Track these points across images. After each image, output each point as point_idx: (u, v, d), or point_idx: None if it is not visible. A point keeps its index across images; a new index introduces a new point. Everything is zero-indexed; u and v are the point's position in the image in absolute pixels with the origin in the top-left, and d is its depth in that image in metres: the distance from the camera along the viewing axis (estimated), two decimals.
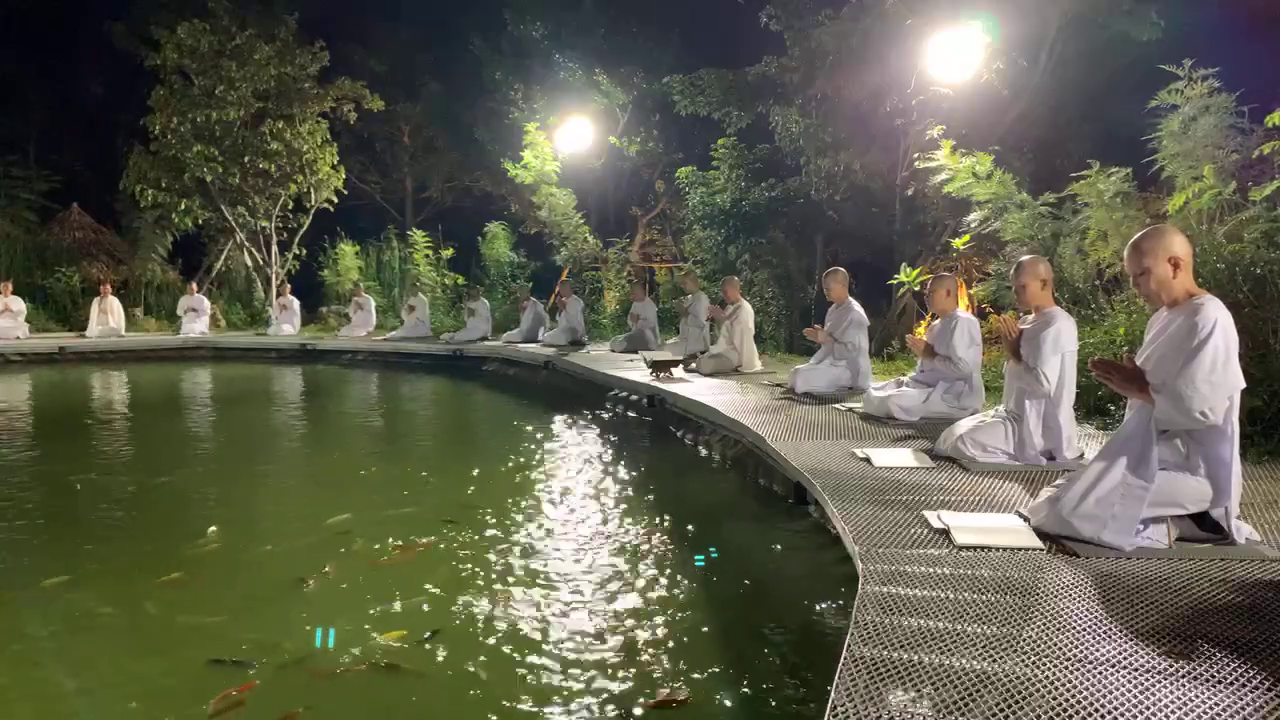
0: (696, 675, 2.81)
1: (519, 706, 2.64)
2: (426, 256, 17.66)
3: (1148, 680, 1.98)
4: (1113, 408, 5.27)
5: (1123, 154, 7.13)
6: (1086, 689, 1.94)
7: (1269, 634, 2.22)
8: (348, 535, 4.34)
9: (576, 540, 4.26)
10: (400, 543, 4.18)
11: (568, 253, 16.16)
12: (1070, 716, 1.83)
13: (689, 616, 3.30)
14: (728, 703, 2.66)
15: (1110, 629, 2.26)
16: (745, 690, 2.72)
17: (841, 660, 2.09)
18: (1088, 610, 2.39)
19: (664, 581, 3.67)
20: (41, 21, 20.81)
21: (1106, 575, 2.66)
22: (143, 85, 16.69)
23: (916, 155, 9.64)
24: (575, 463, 6.10)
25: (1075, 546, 2.90)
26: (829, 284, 7.10)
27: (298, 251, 18.74)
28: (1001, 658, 2.10)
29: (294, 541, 4.31)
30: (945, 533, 3.10)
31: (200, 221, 17.76)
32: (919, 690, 1.94)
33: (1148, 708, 1.86)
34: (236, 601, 3.54)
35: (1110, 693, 1.92)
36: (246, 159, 16.73)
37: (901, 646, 2.16)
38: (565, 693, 2.70)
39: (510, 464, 6.03)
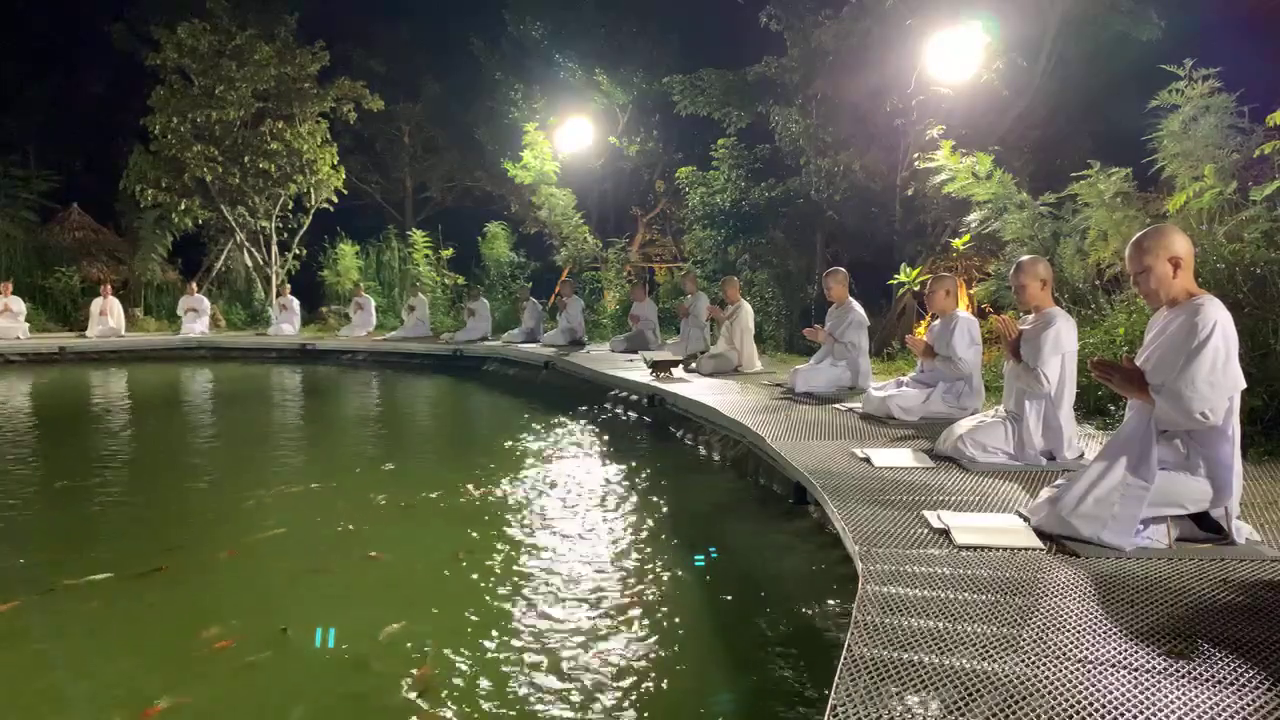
0: (696, 675, 2.81)
1: (515, 704, 2.63)
2: (426, 256, 17.67)
3: (1148, 680, 1.98)
4: (1113, 408, 5.27)
5: (1123, 154, 7.12)
6: (1086, 689, 1.94)
7: (1269, 634, 2.22)
8: (346, 531, 4.34)
9: (575, 540, 4.25)
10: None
11: (568, 253, 16.16)
12: (1070, 716, 1.83)
13: (688, 616, 3.29)
14: (728, 703, 2.66)
15: (1110, 629, 2.26)
16: (745, 690, 2.72)
17: (841, 660, 2.09)
18: (1087, 610, 2.39)
19: (663, 581, 3.67)
20: (41, 21, 20.83)
21: (1106, 575, 2.66)
22: (143, 85, 16.71)
23: (916, 155, 9.64)
24: (575, 463, 6.10)
25: (1075, 546, 2.90)
26: (829, 284, 7.11)
27: (298, 251, 18.75)
28: (1001, 658, 2.10)
29: (292, 538, 4.31)
30: (945, 533, 3.10)
31: (200, 221, 17.76)
32: (919, 690, 1.94)
33: (1148, 708, 1.86)
34: (235, 600, 3.55)
35: (1110, 693, 1.92)
36: (246, 159, 16.75)
37: (901, 646, 2.16)
38: (562, 692, 2.70)
39: (509, 464, 6.02)
